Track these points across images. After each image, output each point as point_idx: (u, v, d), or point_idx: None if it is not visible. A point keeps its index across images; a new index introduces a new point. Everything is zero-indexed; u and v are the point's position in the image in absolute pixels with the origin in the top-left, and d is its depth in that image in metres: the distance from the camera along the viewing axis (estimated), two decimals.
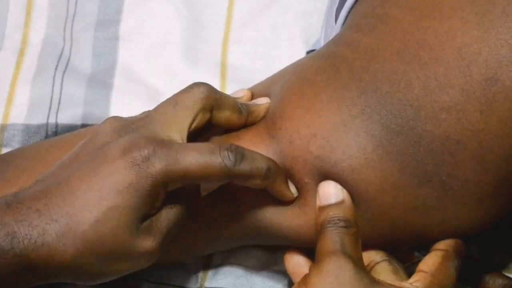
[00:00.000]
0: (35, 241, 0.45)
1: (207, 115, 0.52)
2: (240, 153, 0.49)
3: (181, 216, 0.50)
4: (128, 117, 0.51)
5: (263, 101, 0.55)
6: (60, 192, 0.47)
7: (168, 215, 0.49)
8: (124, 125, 0.50)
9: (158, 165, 0.47)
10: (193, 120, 0.51)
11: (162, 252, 0.50)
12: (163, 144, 0.48)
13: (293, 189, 0.52)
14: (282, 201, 0.52)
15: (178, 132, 0.50)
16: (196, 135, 0.52)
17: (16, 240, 0.45)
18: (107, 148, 0.48)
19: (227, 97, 0.53)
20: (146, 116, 0.51)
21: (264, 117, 0.54)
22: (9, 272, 0.45)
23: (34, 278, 0.46)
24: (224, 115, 0.53)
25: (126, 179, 0.46)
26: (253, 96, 0.56)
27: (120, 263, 0.47)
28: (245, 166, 0.49)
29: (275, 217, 0.53)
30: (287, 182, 0.52)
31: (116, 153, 0.47)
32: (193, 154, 0.48)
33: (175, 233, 0.50)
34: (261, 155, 0.50)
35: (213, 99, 0.51)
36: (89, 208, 0.46)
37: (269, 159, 0.51)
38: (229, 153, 0.48)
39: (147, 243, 0.47)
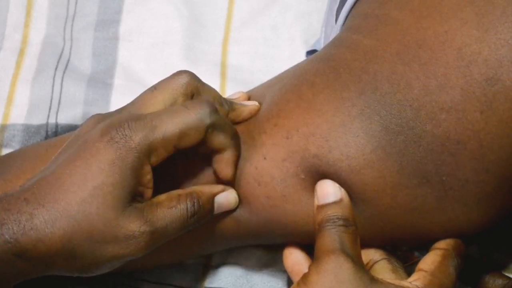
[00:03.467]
0: (24, 225, 0.46)
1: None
2: (214, 107, 0.50)
3: (183, 220, 0.50)
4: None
5: (249, 103, 0.55)
6: (46, 182, 0.48)
7: (169, 212, 0.49)
8: (104, 116, 0.51)
9: (135, 138, 0.48)
10: (172, 104, 0.51)
11: (163, 253, 0.50)
12: (137, 117, 0.49)
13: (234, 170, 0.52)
14: (279, 201, 0.52)
15: (154, 110, 0.50)
16: None
17: (6, 226, 0.46)
18: (88, 135, 0.49)
19: (210, 87, 0.54)
20: (125, 105, 0.52)
21: (248, 118, 0.54)
22: (1, 260, 0.46)
23: (27, 267, 0.47)
24: None
25: (107, 157, 0.47)
26: (250, 99, 0.57)
27: (110, 246, 0.47)
28: (220, 118, 0.50)
29: (273, 215, 0.53)
30: (237, 161, 0.52)
31: (96, 137, 0.48)
32: (167, 116, 0.49)
33: (174, 234, 0.50)
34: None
35: (194, 86, 0.52)
36: (74, 189, 0.47)
37: None
38: (204, 105, 0.49)
39: (135, 224, 0.47)
